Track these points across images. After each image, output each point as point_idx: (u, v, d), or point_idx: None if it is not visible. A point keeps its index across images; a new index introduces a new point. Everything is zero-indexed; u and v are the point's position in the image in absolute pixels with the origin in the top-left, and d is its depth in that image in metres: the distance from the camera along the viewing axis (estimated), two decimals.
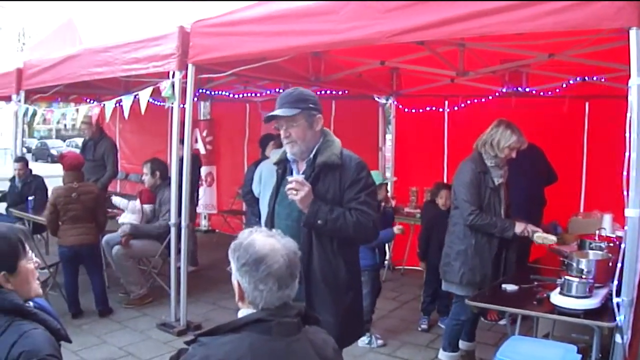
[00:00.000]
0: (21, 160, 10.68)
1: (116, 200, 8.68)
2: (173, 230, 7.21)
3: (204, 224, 13.69)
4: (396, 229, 7.22)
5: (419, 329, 7.49)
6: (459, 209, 5.77)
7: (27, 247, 2.87)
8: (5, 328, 2.56)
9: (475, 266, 5.72)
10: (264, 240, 2.53)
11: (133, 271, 8.28)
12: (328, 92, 10.14)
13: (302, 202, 3.95)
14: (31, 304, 2.82)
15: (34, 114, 10.11)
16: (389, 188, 8.78)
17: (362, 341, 6.96)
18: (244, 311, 2.57)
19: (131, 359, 6.57)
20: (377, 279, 7.29)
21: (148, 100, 7.46)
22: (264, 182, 7.55)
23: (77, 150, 12.33)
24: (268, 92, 11.12)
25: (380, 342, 7.09)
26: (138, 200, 8.74)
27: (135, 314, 7.92)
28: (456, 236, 5.88)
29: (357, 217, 3.96)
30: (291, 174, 4.26)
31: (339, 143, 4.19)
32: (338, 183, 4.06)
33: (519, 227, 5.60)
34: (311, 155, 4.15)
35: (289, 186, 3.99)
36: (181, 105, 7.15)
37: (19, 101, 10.31)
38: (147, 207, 8.62)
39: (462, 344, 6.45)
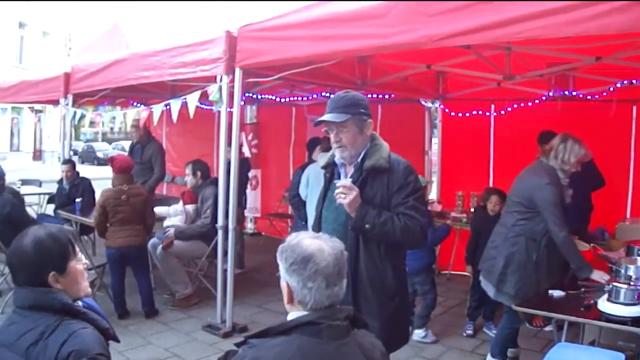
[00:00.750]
0: (69, 162, 10.80)
1: (157, 210, 8.71)
2: (220, 233, 7.23)
3: (250, 226, 13.72)
4: None
5: (464, 334, 7.42)
6: (547, 225, 5.57)
7: (77, 248, 2.90)
8: (55, 327, 2.58)
9: (532, 282, 5.65)
10: (311, 241, 2.56)
11: (178, 271, 8.34)
12: (374, 96, 10.12)
13: (350, 206, 3.93)
14: (80, 303, 2.84)
15: (82, 117, 10.24)
16: (435, 192, 8.72)
17: (418, 334, 7.18)
18: (294, 314, 2.58)
19: None
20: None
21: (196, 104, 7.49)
22: (310, 185, 7.57)
23: (124, 153, 12.46)
24: (314, 95, 11.10)
25: (433, 337, 7.24)
26: (181, 202, 8.83)
27: (180, 315, 7.96)
28: (518, 249, 5.77)
29: (405, 222, 3.93)
30: (339, 177, 4.25)
31: (386, 147, 4.16)
32: (386, 187, 4.03)
33: (596, 275, 5.35)
34: (359, 159, 4.13)
35: (337, 190, 3.98)
36: (228, 109, 7.17)
37: (67, 105, 10.45)
38: (190, 208, 8.68)
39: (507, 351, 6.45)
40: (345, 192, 3.92)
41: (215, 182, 8.31)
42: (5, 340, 2.67)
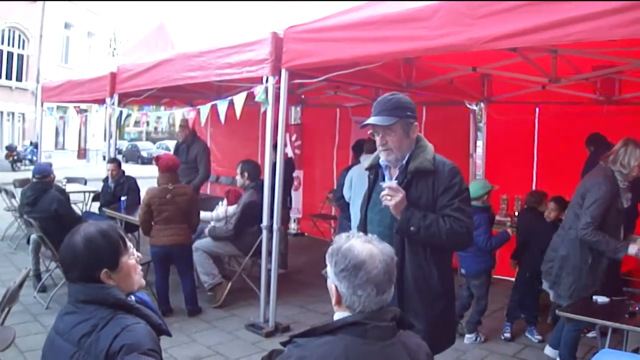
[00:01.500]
0: (114, 161, 10.96)
1: (202, 215, 8.71)
2: (265, 233, 7.26)
3: (293, 227, 13.71)
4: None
5: (502, 337, 7.35)
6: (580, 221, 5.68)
7: (128, 243, 2.91)
8: (108, 320, 2.60)
9: (587, 284, 5.65)
10: (362, 246, 2.54)
11: (203, 262, 8.37)
12: (419, 98, 10.11)
13: (396, 208, 3.92)
14: (133, 298, 2.86)
15: (129, 116, 10.34)
16: None
17: (469, 338, 7.25)
18: (340, 314, 2.58)
19: (219, 358, 6.62)
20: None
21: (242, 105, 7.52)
22: (354, 187, 7.57)
23: (169, 153, 12.55)
24: (359, 97, 11.09)
25: (483, 337, 7.32)
26: (225, 202, 8.91)
27: (223, 314, 8.02)
28: (573, 252, 5.80)
29: (450, 225, 3.89)
30: (383, 179, 4.23)
31: (431, 148, 4.14)
32: (431, 189, 4.01)
33: (633, 249, 5.46)
34: (404, 161, 4.11)
35: (383, 192, 3.97)
36: (274, 110, 7.18)
37: (113, 104, 10.56)
38: (232, 209, 8.70)
39: (548, 350, 6.50)
40: (391, 194, 3.91)
41: (257, 187, 8.37)
42: (60, 328, 2.72)
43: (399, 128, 4.02)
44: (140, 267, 2.94)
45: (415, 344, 2.63)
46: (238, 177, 8.81)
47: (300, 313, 8.14)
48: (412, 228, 3.89)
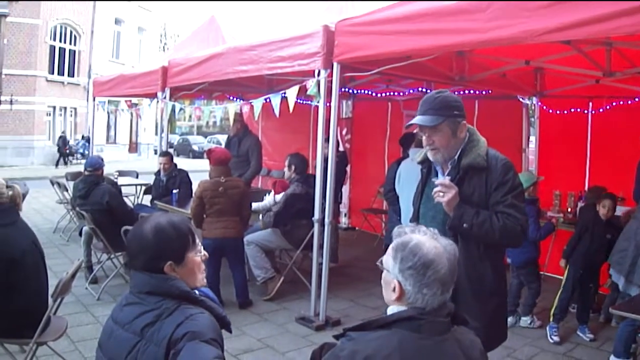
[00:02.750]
0: (166, 154, 11.07)
1: (255, 206, 8.80)
2: (316, 226, 7.25)
3: (344, 221, 13.69)
4: None
5: (551, 340, 7.09)
6: None
7: (197, 240, 2.90)
8: (173, 310, 2.61)
9: None
10: (430, 243, 2.51)
11: (256, 256, 8.38)
12: (472, 91, 10.00)
13: (448, 204, 3.89)
14: (197, 292, 2.85)
15: (181, 110, 10.42)
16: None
17: (525, 321, 7.41)
18: (394, 308, 2.56)
19: (269, 351, 6.64)
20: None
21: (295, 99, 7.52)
22: (402, 181, 7.52)
23: (221, 146, 12.62)
24: (410, 91, 11.03)
25: (539, 323, 7.42)
26: (272, 192, 8.95)
27: (274, 307, 8.04)
28: None
29: (503, 221, 3.85)
30: (436, 174, 4.21)
31: (484, 143, 4.09)
32: (484, 185, 3.96)
33: None
34: (456, 156, 4.07)
35: (435, 189, 3.93)
36: (326, 104, 7.17)
37: (165, 98, 10.63)
38: (279, 197, 8.72)
39: None
40: (444, 191, 3.88)
41: (302, 180, 8.46)
42: (120, 319, 2.73)
43: (446, 127, 3.97)
44: (204, 266, 2.94)
45: (469, 340, 2.62)
46: (285, 170, 8.85)
47: (350, 307, 8.12)
48: (464, 225, 3.86)
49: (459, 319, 2.62)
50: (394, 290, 2.54)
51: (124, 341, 2.65)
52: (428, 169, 4.32)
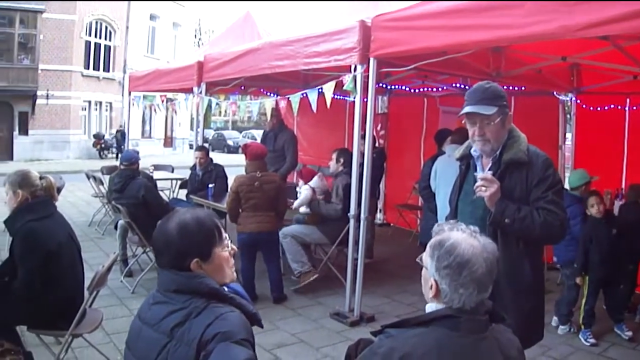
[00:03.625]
0: (202, 149, 11.12)
1: (296, 204, 8.81)
2: (352, 222, 7.23)
3: (378, 217, 13.58)
4: None
5: (587, 343, 6.92)
6: None
7: (224, 234, 2.85)
8: (202, 310, 2.56)
9: None
10: (467, 242, 2.50)
11: (292, 249, 8.41)
12: (508, 87, 9.96)
13: (490, 199, 3.89)
14: (225, 288, 2.80)
15: (217, 105, 10.46)
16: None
17: (563, 329, 7.22)
18: (432, 305, 2.57)
19: (303, 346, 6.63)
20: None
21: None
22: (438, 177, 7.51)
23: (257, 141, 12.67)
24: (445, 87, 10.97)
25: (575, 328, 7.22)
26: (301, 182, 8.97)
27: (309, 302, 8.05)
28: None
29: (544, 217, 3.84)
30: (475, 169, 4.20)
31: (524, 139, 4.09)
32: (525, 181, 3.96)
33: None
34: (497, 152, 4.06)
35: (478, 183, 3.93)
36: (363, 99, 7.14)
37: (200, 93, 10.68)
38: (314, 183, 8.83)
39: None
40: (486, 185, 3.88)
41: (348, 172, 8.35)
42: (149, 318, 2.69)
43: (497, 117, 3.98)
44: (233, 261, 2.90)
45: (507, 338, 2.61)
46: (332, 163, 8.87)
47: (385, 303, 8.09)
48: (506, 220, 3.86)
49: (497, 317, 2.61)
50: (431, 288, 2.54)
51: (153, 341, 2.61)
52: (467, 165, 4.32)
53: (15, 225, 5.02)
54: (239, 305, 2.71)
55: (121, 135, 34.44)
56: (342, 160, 8.70)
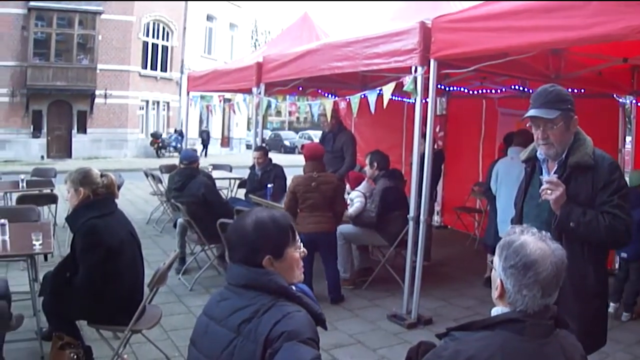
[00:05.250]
0: (261, 149, 11.20)
1: (349, 213, 8.81)
2: (411, 224, 7.20)
3: (436, 219, 13.52)
4: None
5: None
6: None
7: (297, 236, 2.91)
8: (269, 307, 2.59)
9: None
10: (535, 244, 2.50)
11: (342, 252, 8.44)
12: (567, 90, 9.82)
13: (556, 203, 3.86)
14: (293, 287, 2.83)
15: (276, 105, 10.53)
16: None
17: (626, 316, 7.42)
18: (498, 309, 2.57)
19: (361, 347, 6.63)
20: None
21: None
22: (500, 179, 7.47)
23: (315, 142, 12.72)
24: (504, 89, 10.88)
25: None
26: (347, 187, 9.00)
27: (366, 303, 8.04)
28: None
29: (609, 221, 3.80)
30: (541, 172, 4.18)
31: (590, 142, 4.07)
32: (590, 184, 3.93)
33: None
34: (563, 155, 4.04)
35: (544, 186, 3.90)
36: (423, 100, 7.12)
37: (259, 93, 10.75)
38: (363, 188, 8.82)
39: None
40: (552, 188, 3.85)
41: (387, 175, 8.51)
42: (216, 314, 2.75)
43: (561, 121, 3.96)
44: (302, 263, 2.94)
45: (571, 344, 2.59)
46: (367, 168, 8.89)
47: (442, 306, 8.04)
48: (571, 224, 3.82)
49: (562, 322, 2.60)
50: (497, 288, 2.56)
51: (220, 337, 2.66)
52: (532, 168, 4.30)
53: (77, 222, 5.14)
54: (306, 304, 2.74)
55: (179, 135, 35.07)
56: (375, 164, 8.74)
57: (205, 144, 38.28)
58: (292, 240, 2.87)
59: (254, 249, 2.75)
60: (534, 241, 2.52)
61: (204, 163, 14.59)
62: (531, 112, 4.01)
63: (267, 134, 54.90)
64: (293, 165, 10.22)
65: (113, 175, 5.53)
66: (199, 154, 26.97)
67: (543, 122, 3.98)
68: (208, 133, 38.91)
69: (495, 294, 2.58)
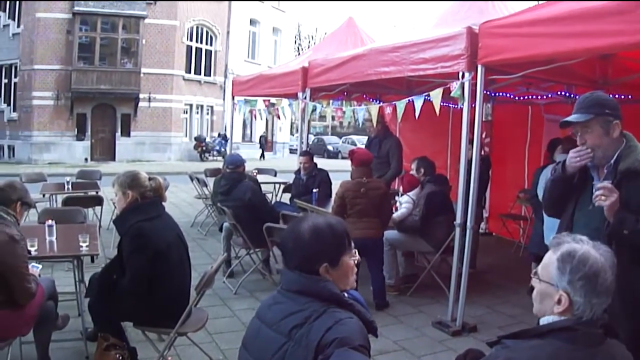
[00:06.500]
0: (307, 154, 11.24)
1: (395, 217, 8.79)
2: (457, 231, 7.16)
3: (481, 226, 13.16)
4: None
5: None
6: None
7: (352, 243, 2.91)
8: (321, 313, 2.60)
9: None
10: (594, 252, 2.49)
11: (387, 259, 8.40)
12: (614, 96, 9.70)
13: (610, 209, 3.78)
14: (345, 294, 2.83)
15: (321, 111, 10.55)
16: None
17: None
18: (549, 318, 2.54)
19: (404, 353, 6.60)
20: None
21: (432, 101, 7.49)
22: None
23: (361, 147, 12.72)
24: (550, 95, 10.77)
25: None
26: (400, 189, 8.89)
27: (411, 310, 8.01)
28: None
29: None
30: (591, 179, 4.13)
31: None
32: None
33: None
34: (612, 161, 3.98)
35: (597, 192, 3.83)
36: (470, 106, 7.07)
37: (305, 98, 10.78)
38: (414, 195, 8.78)
39: None
40: (606, 194, 3.78)
41: (433, 180, 8.51)
42: (268, 318, 2.76)
43: (596, 125, 3.93)
44: (356, 269, 2.94)
45: (622, 354, 2.56)
46: (413, 173, 8.89)
47: (487, 314, 7.98)
48: (625, 231, 3.75)
49: (612, 332, 2.57)
50: (558, 302, 2.50)
51: (271, 341, 2.68)
52: (582, 175, 4.23)
53: (124, 225, 5.20)
54: (358, 312, 2.74)
55: (223, 139, 35.38)
56: (422, 169, 8.76)
57: (263, 148, 39.79)
58: (348, 247, 2.88)
59: (310, 257, 2.77)
60: (590, 249, 2.51)
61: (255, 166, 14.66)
62: (567, 117, 4.02)
63: (311, 138, 55.15)
64: (336, 170, 10.17)
65: (160, 179, 5.58)
66: (258, 157, 27.30)
67: (579, 127, 3.98)
68: (266, 138, 40.44)
69: (557, 308, 2.51)
